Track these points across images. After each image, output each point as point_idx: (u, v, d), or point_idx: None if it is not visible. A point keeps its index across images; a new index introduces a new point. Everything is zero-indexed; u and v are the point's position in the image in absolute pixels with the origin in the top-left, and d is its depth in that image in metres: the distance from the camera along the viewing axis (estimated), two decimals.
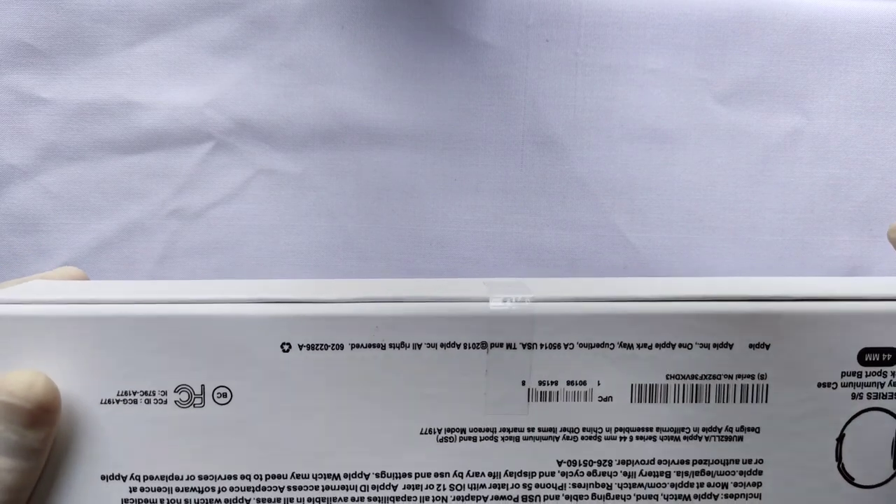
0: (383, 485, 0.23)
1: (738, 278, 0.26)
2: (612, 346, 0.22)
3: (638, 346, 0.22)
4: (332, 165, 0.30)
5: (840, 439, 0.23)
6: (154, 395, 0.22)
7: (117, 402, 0.22)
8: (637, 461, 0.23)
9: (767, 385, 0.23)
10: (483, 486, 0.23)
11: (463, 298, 0.22)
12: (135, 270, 0.30)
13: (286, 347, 0.22)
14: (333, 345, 0.22)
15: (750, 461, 0.23)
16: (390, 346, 0.22)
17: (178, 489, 0.23)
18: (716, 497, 0.23)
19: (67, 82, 0.29)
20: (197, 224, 0.30)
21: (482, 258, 0.31)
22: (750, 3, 0.30)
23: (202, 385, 0.22)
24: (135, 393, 0.22)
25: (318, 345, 0.22)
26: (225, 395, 0.22)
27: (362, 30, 0.30)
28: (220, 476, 0.23)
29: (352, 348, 0.22)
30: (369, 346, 0.22)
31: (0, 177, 0.29)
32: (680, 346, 0.22)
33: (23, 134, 0.29)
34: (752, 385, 0.23)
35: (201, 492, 0.23)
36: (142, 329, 0.21)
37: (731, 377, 0.22)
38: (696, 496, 0.23)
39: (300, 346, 0.22)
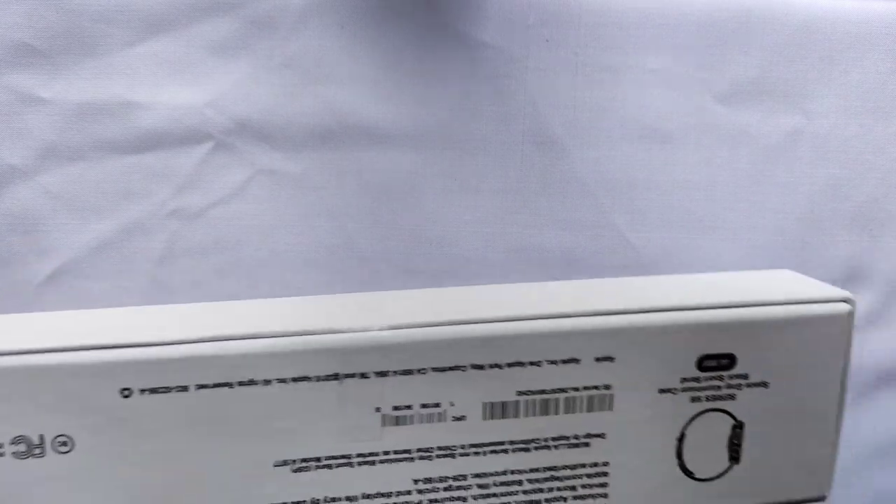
0: None
1: (603, 281, 0.26)
2: (464, 369, 0.23)
3: (489, 366, 0.23)
4: (332, 165, 0.30)
5: (680, 439, 0.24)
6: None
7: None
8: (490, 473, 0.24)
9: (612, 395, 0.23)
10: None
11: (313, 331, 0.22)
12: (134, 270, 0.30)
13: (126, 393, 0.21)
14: (177, 387, 0.21)
15: (596, 464, 0.24)
16: (239, 383, 0.22)
17: None
18: (565, 499, 0.24)
19: (67, 82, 0.29)
20: (197, 224, 0.30)
21: (482, 258, 0.31)
22: (750, 3, 0.30)
23: (41, 435, 0.21)
24: None
25: (160, 388, 0.21)
26: (66, 444, 0.21)
27: (362, 30, 0.30)
28: None
29: (197, 388, 0.21)
30: (216, 385, 0.21)
31: None
32: (530, 363, 0.23)
33: (22, 134, 0.29)
34: (598, 396, 0.23)
35: None
36: None
37: (577, 389, 0.23)
38: (546, 500, 0.24)
39: (141, 391, 0.21)
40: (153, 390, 0.21)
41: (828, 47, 0.31)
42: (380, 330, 0.22)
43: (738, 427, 0.25)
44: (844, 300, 0.24)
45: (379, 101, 0.30)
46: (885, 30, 0.31)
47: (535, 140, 0.31)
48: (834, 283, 0.32)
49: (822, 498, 0.26)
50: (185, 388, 0.21)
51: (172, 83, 0.29)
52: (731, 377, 0.24)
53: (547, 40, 0.30)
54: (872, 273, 0.32)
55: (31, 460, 0.21)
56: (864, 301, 0.32)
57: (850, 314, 0.24)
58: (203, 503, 0.23)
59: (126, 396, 0.21)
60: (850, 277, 0.32)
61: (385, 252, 0.31)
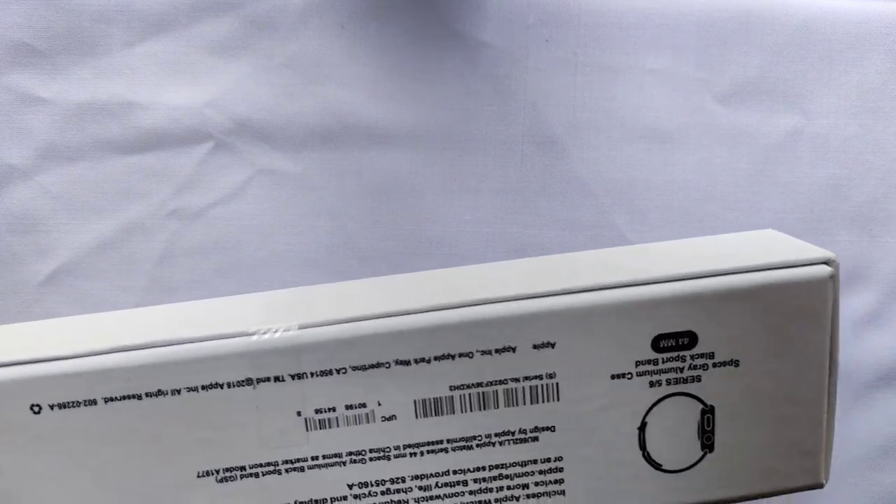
0: None
1: (533, 260, 0.24)
2: (387, 365, 0.21)
3: (415, 360, 0.21)
4: (332, 165, 0.30)
5: (642, 428, 0.23)
6: None
7: None
8: (431, 474, 0.22)
9: (557, 384, 0.22)
10: None
11: (219, 336, 0.21)
12: (134, 270, 0.30)
13: (36, 409, 0.21)
14: (85, 401, 0.21)
15: (549, 459, 0.23)
16: (147, 395, 0.21)
17: None
18: (517, 499, 0.23)
19: (67, 82, 0.29)
20: (197, 224, 0.30)
21: (482, 258, 0.31)
22: (750, 3, 0.30)
23: None
24: None
25: (68, 403, 0.21)
26: None
27: (362, 30, 0.30)
28: None
29: (105, 402, 0.21)
30: (124, 397, 0.21)
31: None
32: (460, 355, 0.21)
33: (22, 134, 0.29)
34: (542, 385, 0.22)
35: None
36: None
37: (518, 380, 0.22)
38: (497, 500, 0.23)
39: (51, 406, 0.21)
40: (62, 405, 0.21)
41: (828, 47, 0.31)
42: (288, 330, 0.21)
43: (708, 412, 0.23)
44: (825, 261, 0.22)
45: (379, 101, 0.30)
46: (885, 30, 0.31)
47: (535, 140, 0.31)
48: None
49: (819, 485, 0.24)
50: (93, 402, 0.21)
51: (172, 83, 0.29)
52: (693, 357, 0.22)
53: (547, 40, 0.30)
54: (872, 273, 0.32)
55: None
56: (864, 301, 0.32)
57: (833, 277, 0.22)
58: None
59: (36, 413, 0.21)
60: (850, 277, 0.32)
61: (385, 252, 0.31)
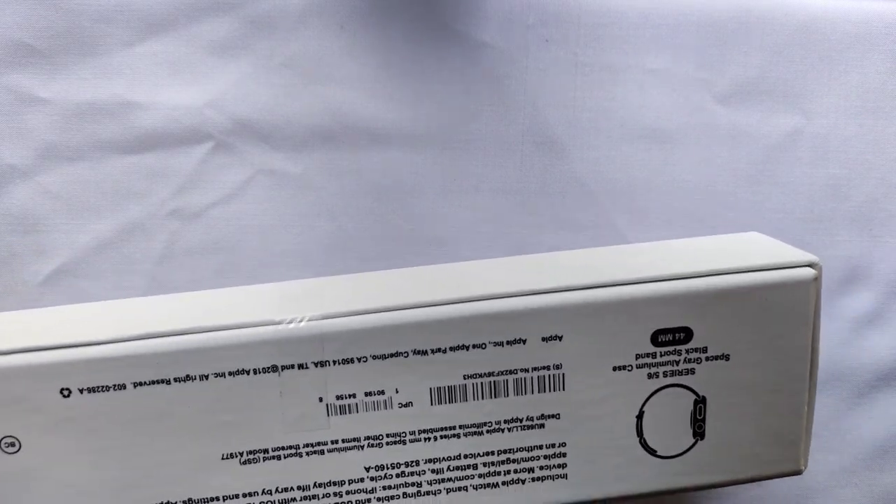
0: None
1: (542, 256, 0.26)
2: (405, 355, 0.22)
3: (432, 351, 0.22)
4: (332, 165, 0.30)
5: (640, 416, 0.24)
6: None
7: None
8: (443, 458, 0.24)
9: (564, 374, 0.23)
10: (293, 499, 0.23)
11: (247, 324, 0.22)
12: (134, 270, 0.30)
13: (66, 393, 0.21)
14: (115, 385, 0.21)
15: (553, 445, 0.24)
16: (175, 380, 0.22)
17: None
18: (523, 482, 0.24)
19: (67, 82, 0.29)
20: (197, 224, 0.30)
21: (482, 258, 0.31)
22: (750, 3, 0.30)
23: None
24: None
25: (98, 387, 0.21)
26: (13, 445, 0.22)
27: (362, 30, 0.30)
28: None
29: (135, 387, 0.22)
30: (153, 382, 0.22)
31: None
32: (474, 346, 0.23)
33: (22, 134, 0.29)
34: (549, 375, 0.23)
35: None
36: None
37: (527, 370, 0.23)
38: (504, 483, 0.24)
39: (80, 391, 0.21)
40: (92, 389, 0.21)
41: (828, 47, 0.31)
42: (313, 320, 0.22)
43: (700, 402, 0.24)
44: (809, 265, 0.23)
45: (379, 101, 0.30)
46: (885, 30, 0.31)
47: (535, 140, 0.31)
48: (834, 282, 0.32)
49: (798, 472, 0.25)
50: (122, 387, 0.22)
51: (172, 83, 0.29)
52: (688, 351, 0.24)
53: (547, 40, 0.30)
54: (872, 273, 0.32)
55: None
56: (864, 301, 0.32)
57: (816, 279, 0.23)
58: (153, 496, 0.23)
59: (66, 396, 0.21)
60: (850, 277, 0.32)
61: (385, 252, 0.31)
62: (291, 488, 0.23)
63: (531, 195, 0.31)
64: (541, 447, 0.24)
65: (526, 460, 0.24)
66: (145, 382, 0.22)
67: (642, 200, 0.31)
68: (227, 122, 0.29)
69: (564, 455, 0.24)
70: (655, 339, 0.23)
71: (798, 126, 0.31)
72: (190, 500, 0.23)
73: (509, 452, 0.24)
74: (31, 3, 0.28)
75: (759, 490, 0.33)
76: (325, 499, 0.23)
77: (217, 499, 0.23)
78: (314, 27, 0.29)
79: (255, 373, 0.22)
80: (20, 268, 0.29)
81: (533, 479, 0.24)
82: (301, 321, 0.22)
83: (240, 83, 0.29)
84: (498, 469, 0.24)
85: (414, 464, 0.24)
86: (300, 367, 0.22)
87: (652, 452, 0.25)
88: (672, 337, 0.23)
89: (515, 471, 0.24)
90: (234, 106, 0.29)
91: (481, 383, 0.23)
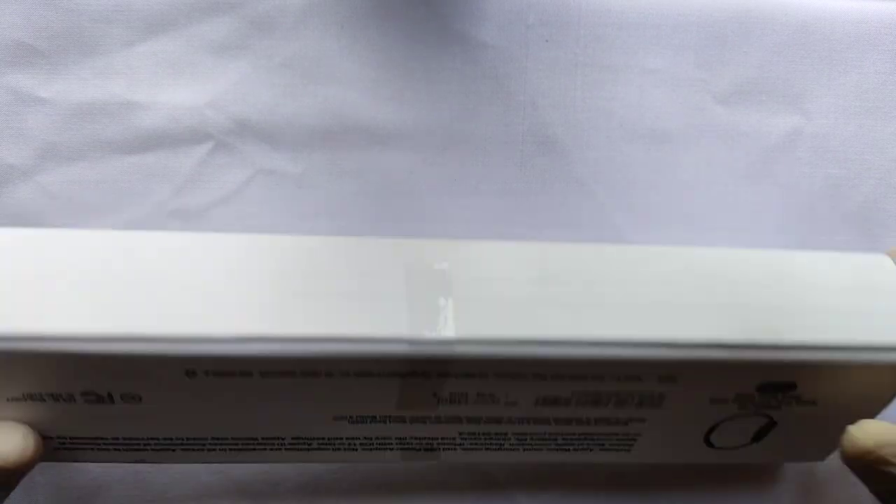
0: (298, 444, 0.25)
1: (649, 251, 0.25)
2: (526, 377, 0.23)
3: (551, 377, 0.23)
4: (332, 165, 0.30)
5: (713, 427, 0.26)
6: (61, 396, 0.22)
7: (24, 400, 0.22)
8: (530, 434, 0.26)
9: (664, 397, 0.24)
10: (390, 442, 0.26)
11: (379, 339, 0.22)
12: None
13: (191, 374, 0.22)
14: (241, 372, 0.22)
15: (628, 434, 0.26)
16: (301, 373, 0.22)
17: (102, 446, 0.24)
18: (591, 449, 0.27)
19: (67, 82, 0.29)
20: (197, 224, 0.30)
21: None
22: (750, 3, 0.30)
23: (109, 393, 0.22)
24: (41, 395, 0.22)
25: (224, 372, 0.22)
26: (135, 398, 0.22)
27: (362, 30, 0.30)
28: (141, 437, 0.24)
29: (262, 376, 0.22)
30: (280, 374, 0.22)
31: None
32: (592, 377, 0.23)
33: (22, 134, 0.29)
34: (651, 396, 0.24)
35: (127, 446, 0.24)
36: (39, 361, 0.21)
37: (633, 395, 0.25)
38: (574, 448, 0.27)
39: (206, 373, 0.22)
40: (217, 373, 0.22)
41: (827, 47, 0.31)
42: (442, 343, 0.22)
43: (772, 425, 0.26)
44: None
45: (379, 101, 0.30)
46: (885, 30, 0.31)
47: (535, 140, 0.31)
48: None
49: (821, 459, 0.28)
50: (248, 374, 0.22)
51: (172, 83, 0.29)
52: (785, 396, 0.25)
53: (547, 40, 0.30)
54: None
55: (99, 406, 0.22)
56: None
57: None
58: (265, 431, 0.24)
59: (191, 376, 0.22)
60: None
61: None
62: (390, 438, 0.25)
63: (531, 195, 0.31)
64: (617, 435, 0.26)
65: (600, 439, 0.26)
66: (273, 373, 0.22)
67: (642, 200, 0.31)
68: (227, 122, 0.29)
69: (635, 440, 0.26)
70: (761, 387, 0.24)
71: (797, 126, 0.31)
72: (298, 437, 0.25)
73: (589, 435, 0.26)
74: (31, 3, 0.28)
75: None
76: (417, 442, 0.26)
77: (322, 438, 0.25)
78: (314, 27, 0.29)
79: (379, 376, 0.23)
80: None
81: (600, 449, 0.27)
82: (433, 344, 0.22)
83: (240, 83, 0.29)
84: (573, 442, 0.26)
85: (503, 435, 0.25)
86: (423, 375, 0.23)
87: (710, 445, 0.27)
88: (777, 388, 0.24)
89: (588, 445, 0.26)
90: (234, 106, 0.29)
91: (586, 397, 0.24)
